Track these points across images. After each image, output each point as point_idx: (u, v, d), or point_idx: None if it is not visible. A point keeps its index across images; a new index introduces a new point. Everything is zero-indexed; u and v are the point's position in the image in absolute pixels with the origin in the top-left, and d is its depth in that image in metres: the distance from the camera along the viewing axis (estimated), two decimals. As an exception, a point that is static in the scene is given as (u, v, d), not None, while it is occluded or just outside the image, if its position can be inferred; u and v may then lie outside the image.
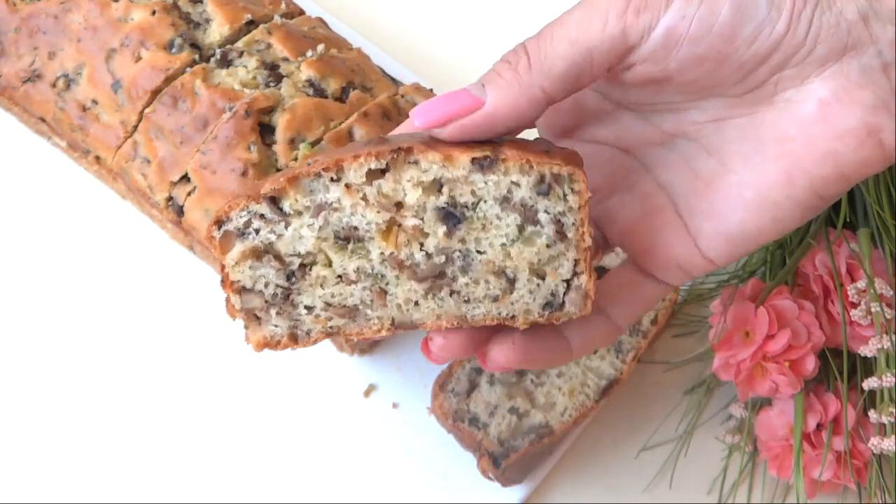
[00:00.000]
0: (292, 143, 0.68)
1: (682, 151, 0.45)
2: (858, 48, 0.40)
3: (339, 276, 0.42)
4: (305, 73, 0.70)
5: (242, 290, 0.43)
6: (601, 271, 0.71)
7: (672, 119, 0.45)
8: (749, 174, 0.43)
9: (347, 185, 0.41)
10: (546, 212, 0.41)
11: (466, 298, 0.42)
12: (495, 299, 0.42)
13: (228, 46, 0.71)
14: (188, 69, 0.69)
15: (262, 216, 0.42)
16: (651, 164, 0.46)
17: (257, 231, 0.42)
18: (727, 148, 0.44)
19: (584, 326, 0.45)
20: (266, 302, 0.43)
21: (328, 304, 0.43)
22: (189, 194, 0.69)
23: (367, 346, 0.73)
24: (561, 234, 0.41)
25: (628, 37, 0.41)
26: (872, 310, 0.66)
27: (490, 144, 0.42)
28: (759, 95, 0.42)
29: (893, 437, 0.64)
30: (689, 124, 0.45)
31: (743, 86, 0.42)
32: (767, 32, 0.40)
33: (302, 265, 0.42)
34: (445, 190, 0.41)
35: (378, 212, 0.41)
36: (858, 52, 0.40)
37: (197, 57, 0.70)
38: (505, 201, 0.41)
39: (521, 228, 0.42)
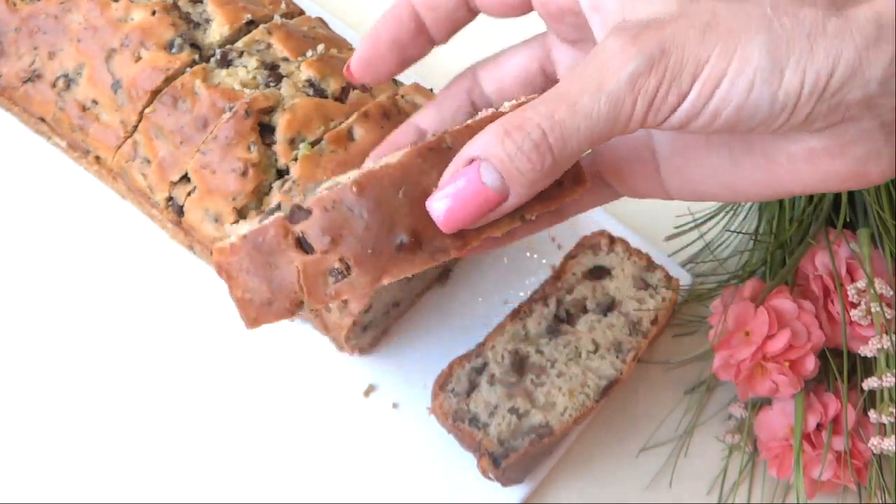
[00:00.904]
0: (292, 143, 0.68)
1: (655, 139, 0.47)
2: (857, 119, 0.40)
3: None
4: (305, 73, 0.70)
5: None
6: (601, 271, 0.71)
7: None
8: (728, 166, 0.44)
9: None
10: None
11: None
12: None
13: (228, 46, 0.71)
14: (188, 69, 0.69)
15: None
16: None
17: None
18: (715, 136, 0.44)
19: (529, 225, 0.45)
20: None
21: None
22: (189, 194, 0.69)
23: (367, 346, 0.73)
24: None
25: (648, 127, 0.40)
26: (872, 310, 0.66)
27: None
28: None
29: (893, 437, 0.64)
30: None
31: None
32: (767, 125, 0.40)
33: None
34: None
35: None
36: (857, 121, 0.40)
37: (197, 57, 0.70)
38: None
39: None
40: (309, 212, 0.42)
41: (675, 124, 0.40)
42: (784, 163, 0.42)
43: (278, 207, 0.44)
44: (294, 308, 0.44)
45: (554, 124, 0.39)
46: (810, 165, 0.42)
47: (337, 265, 0.42)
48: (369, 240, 0.42)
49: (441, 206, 0.41)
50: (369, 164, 0.46)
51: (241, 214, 0.68)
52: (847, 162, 0.41)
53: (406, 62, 0.48)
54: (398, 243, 0.42)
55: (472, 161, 0.40)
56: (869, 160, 0.41)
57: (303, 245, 0.42)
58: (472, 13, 0.47)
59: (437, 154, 0.42)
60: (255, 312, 0.46)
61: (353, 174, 0.43)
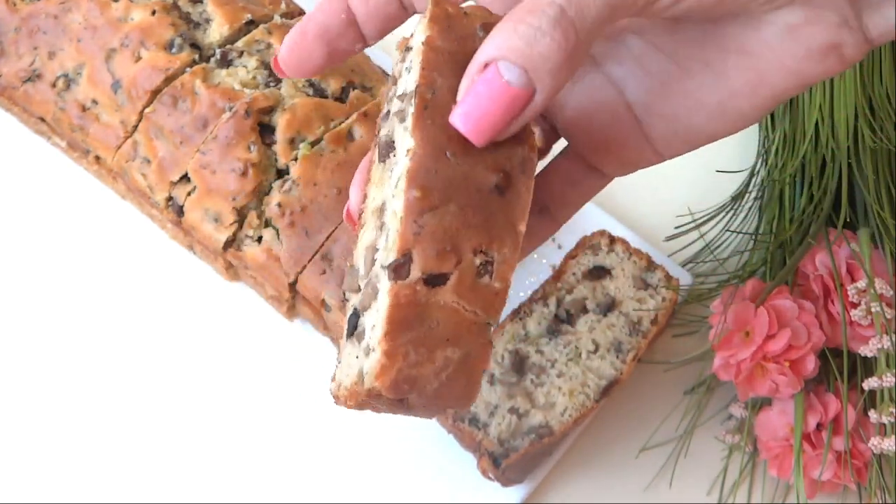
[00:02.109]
0: (292, 143, 0.68)
1: (632, 48, 0.44)
2: None
3: None
4: (305, 73, 0.70)
5: None
6: (601, 271, 0.71)
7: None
8: (710, 81, 0.43)
9: None
10: None
11: None
12: None
13: (228, 46, 0.71)
14: (188, 69, 0.69)
15: None
16: (599, 57, 0.45)
17: None
18: (684, 51, 0.43)
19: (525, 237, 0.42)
20: None
21: None
22: (189, 194, 0.69)
23: (367, 346, 0.73)
24: None
25: None
26: (872, 310, 0.66)
27: None
28: (727, 8, 0.42)
29: (893, 437, 0.64)
30: (637, 20, 0.43)
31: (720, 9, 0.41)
32: None
33: None
34: None
35: None
36: None
37: (197, 57, 0.70)
38: None
39: None
40: (408, 254, 0.36)
41: None
42: (765, 52, 0.42)
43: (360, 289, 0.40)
44: (488, 343, 0.38)
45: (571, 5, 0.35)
46: (792, 45, 0.42)
47: (477, 261, 0.37)
48: (473, 216, 0.37)
49: (465, 118, 0.36)
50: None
51: (241, 214, 0.68)
52: (823, 31, 0.42)
53: (334, 56, 0.44)
54: (494, 187, 0.37)
55: (486, 66, 0.36)
56: (840, 27, 0.42)
57: (435, 281, 0.36)
58: (406, 12, 0.44)
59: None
60: (468, 387, 0.38)
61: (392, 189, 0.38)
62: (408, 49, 0.42)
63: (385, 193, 0.40)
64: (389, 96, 0.43)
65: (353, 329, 0.40)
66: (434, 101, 0.37)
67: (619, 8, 0.36)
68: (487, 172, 0.37)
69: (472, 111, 0.36)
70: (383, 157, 0.41)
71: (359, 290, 0.40)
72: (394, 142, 0.40)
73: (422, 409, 0.38)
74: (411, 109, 0.38)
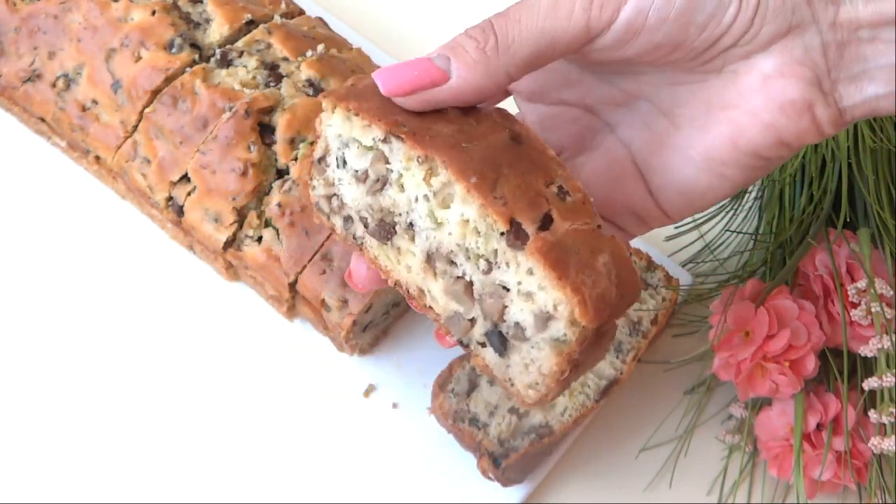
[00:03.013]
0: (292, 142, 0.68)
1: (641, 111, 0.48)
2: (802, 27, 0.43)
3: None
4: (305, 73, 0.70)
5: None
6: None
7: (632, 81, 0.47)
8: (696, 135, 0.46)
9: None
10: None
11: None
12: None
13: (228, 46, 0.71)
14: (188, 69, 0.69)
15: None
16: (614, 123, 0.49)
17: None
18: (678, 110, 0.46)
19: None
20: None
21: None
22: (189, 194, 0.69)
23: (367, 346, 0.73)
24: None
25: (591, 29, 0.43)
26: (872, 310, 0.66)
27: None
28: (710, 67, 0.45)
29: (893, 437, 0.64)
30: (646, 85, 0.47)
31: (694, 63, 0.45)
32: (718, 20, 0.43)
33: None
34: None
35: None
36: (802, 31, 0.43)
37: (197, 57, 0.70)
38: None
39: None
40: (512, 221, 0.41)
41: (620, 31, 0.42)
42: (742, 104, 0.44)
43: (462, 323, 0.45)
44: (612, 237, 0.43)
45: (499, 15, 0.43)
46: (765, 97, 0.44)
47: (554, 190, 0.42)
48: (521, 165, 0.43)
49: (385, 71, 0.43)
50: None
51: (241, 214, 0.68)
52: (797, 86, 0.43)
53: None
54: (510, 140, 0.44)
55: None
56: (813, 86, 0.43)
57: (545, 223, 0.41)
58: None
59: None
60: (632, 272, 0.43)
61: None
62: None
63: (415, 258, 0.45)
64: (329, 183, 0.48)
65: (504, 343, 0.43)
66: (413, 127, 0.43)
67: (545, 33, 0.43)
68: (495, 135, 0.44)
69: (394, 69, 0.43)
70: (386, 237, 0.45)
71: (473, 320, 0.44)
72: (393, 221, 0.45)
73: (613, 328, 0.43)
74: (400, 150, 0.43)
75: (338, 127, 0.45)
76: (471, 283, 0.43)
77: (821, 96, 0.43)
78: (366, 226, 0.46)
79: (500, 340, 0.43)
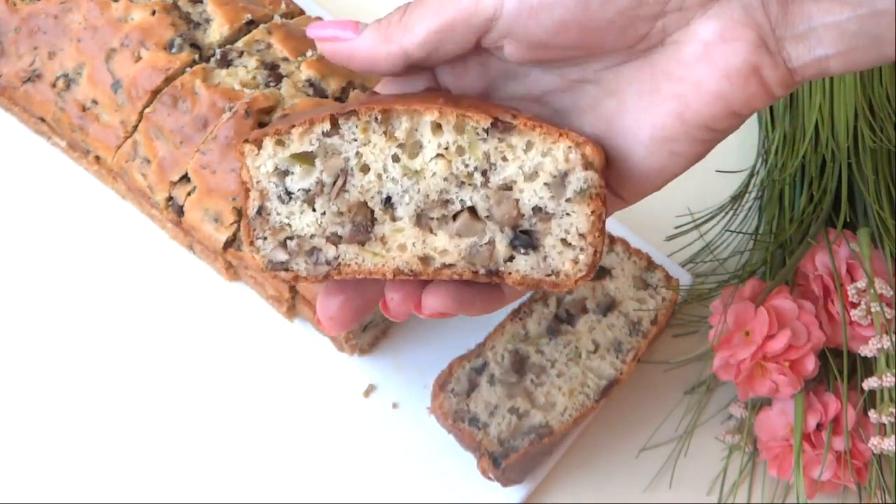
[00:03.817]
0: (292, 143, 0.68)
1: (588, 95, 0.47)
2: None
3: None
4: (305, 73, 0.70)
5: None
6: (601, 271, 0.71)
7: (575, 69, 0.46)
8: (643, 114, 0.45)
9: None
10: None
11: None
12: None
13: (228, 46, 0.71)
14: (188, 69, 0.69)
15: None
16: (562, 110, 0.48)
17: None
18: (624, 88, 0.45)
19: None
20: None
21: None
22: (189, 194, 0.69)
23: (367, 346, 0.73)
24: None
25: (481, 10, 0.43)
26: (872, 310, 0.66)
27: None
28: (650, 42, 0.44)
29: (893, 437, 0.64)
30: (590, 72, 0.46)
31: (627, 39, 0.44)
32: None
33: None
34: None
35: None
36: None
37: (197, 57, 0.70)
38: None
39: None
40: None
41: (513, 9, 0.42)
42: (686, 76, 0.43)
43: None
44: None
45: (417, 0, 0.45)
46: (709, 66, 0.42)
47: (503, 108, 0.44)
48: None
49: (315, 26, 0.47)
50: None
51: (241, 214, 0.68)
52: (740, 50, 0.42)
53: None
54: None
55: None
56: (759, 47, 0.42)
57: (502, 123, 0.43)
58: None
59: None
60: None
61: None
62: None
63: (404, 230, 0.44)
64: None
65: (531, 236, 0.44)
66: (354, 104, 0.44)
67: (444, 37, 0.44)
68: (432, 92, 0.47)
69: (325, 22, 0.48)
70: (366, 233, 0.44)
71: (491, 242, 0.44)
72: (367, 214, 0.45)
73: None
74: (352, 127, 0.44)
75: (269, 160, 0.44)
76: (472, 209, 0.43)
77: (767, 57, 0.42)
78: (338, 239, 0.44)
79: (526, 238, 0.43)
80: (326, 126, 0.44)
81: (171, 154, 0.69)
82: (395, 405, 0.73)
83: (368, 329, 0.71)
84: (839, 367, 0.68)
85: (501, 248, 0.44)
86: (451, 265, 0.44)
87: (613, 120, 0.46)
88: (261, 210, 0.45)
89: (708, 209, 0.76)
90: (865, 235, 0.70)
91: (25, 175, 0.78)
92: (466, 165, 0.43)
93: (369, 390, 0.73)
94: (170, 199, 0.70)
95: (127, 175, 0.71)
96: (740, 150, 0.80)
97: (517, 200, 0.43)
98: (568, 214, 0.43)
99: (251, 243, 0.45)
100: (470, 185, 0.43)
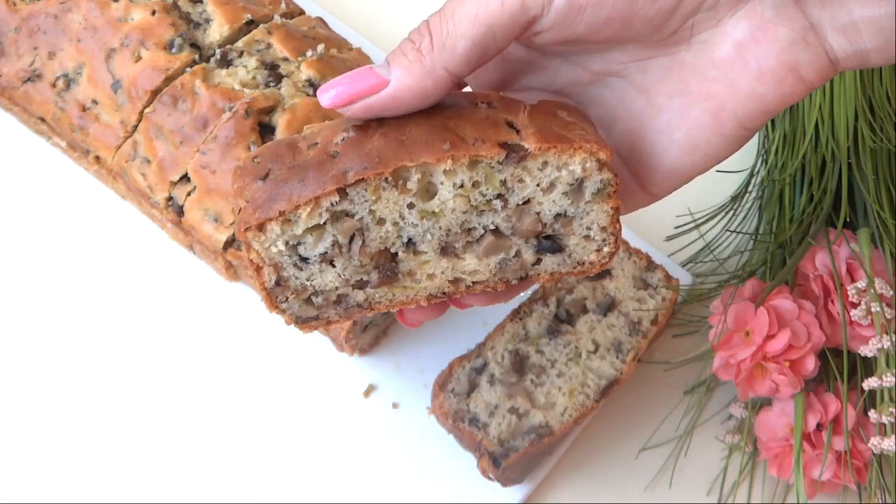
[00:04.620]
0: (292, 143, 0.68)
1: (613, 88, 0.46)
2: None
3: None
4: (305, 72, 0.70)
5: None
6: (605, 274, 0.71)
7: (598, 60, 0.46)
8: (677, 115, 0.44)
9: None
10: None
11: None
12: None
13: (228, 46, 0.71)
14: (188, 69, 0.69)
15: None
16: (585, 103, 0.47)
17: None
18: (653, 88, 0.45)
19: None
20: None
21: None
22: (189, 194, 0.69)
23: (367, 346, 0.73)
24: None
25: (528, 10, 0.41)
26: (872, 310, 0.66)
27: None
28: (677, 38, 0.43)
29: (893, 437, 0.64)
30: (614, 64, 0.46)
31: (658, 35, 0.43)
32: None
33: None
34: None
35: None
36: None
37: (197, 57, 0.70)
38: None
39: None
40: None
41: (562, 8, 0.41)
42: (720, 76, 0.43)
43: None
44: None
45: (435, 13, 0.42)
46: (742, 67, 0.42)
47: (484, 106, 0.44)
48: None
49: (325, 87, 0.43)
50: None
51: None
52: (773, 50, 0.41)
53: None
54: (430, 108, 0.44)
55: None
56: (795, 44, 0.41)
57: (513, 147, 0.43)
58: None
59: None
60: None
61: None
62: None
63: (431, 262, 0.44)
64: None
65: (555, 240, 0.44)
66: (351, 164, 0.42)
67: (480, 22, 0.41)
68: (417, 115, 0.43)
69: (334, 82, 0.42)
70: (393, 273, 0.44)
71: (518, 253, 0.44)
72: (390, 257, 0.44)
73: None
74: (361, 193, 0.42)
75: (279, 238, 0.42)
76: (495, 230, 0.44)
77: (805, 53, 0.42)
78: (365, 285, 0.44)
79: (550, 243, 0.44)
80: (335, 198, 0.41)
81: (171, 154, 0.69)
82: (395, 405, 0.73)
83: (368, 329, 0.71)
84: (839, 367, 0.68)
85: (528, 256, 0.44)
86: (481, 281, 0.45)
87: (647, 119, 0.45)
88: (279, 281, 0.43)
89: (708, 209, 0.76)
90: (865, 235, 0.70)
91: (25, 175, 0.78)
92: (484, 195, 0.43)
93: (369, 390, 0.73)
94: (170, 199, 0.70)
95: (127, 175, 0.71)
96: (740, 150, 0.80)
97: (538, 213, 0.43)
98: (588, 214, 0.43)
99: (275, 309, 0.44)
100: (490, 210, 0.43)
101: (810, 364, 0.66)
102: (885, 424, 0.65)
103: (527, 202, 0.43)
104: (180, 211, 0.69)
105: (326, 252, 0.43)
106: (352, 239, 0.43)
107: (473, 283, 0.45)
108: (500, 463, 0.65)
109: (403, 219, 0.43)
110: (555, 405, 0.67)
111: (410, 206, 0.42)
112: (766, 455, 0.69)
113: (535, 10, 0.41)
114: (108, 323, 0.74)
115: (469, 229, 0.43)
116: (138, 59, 0.70)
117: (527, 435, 0.66)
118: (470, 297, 0.46)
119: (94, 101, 0.71)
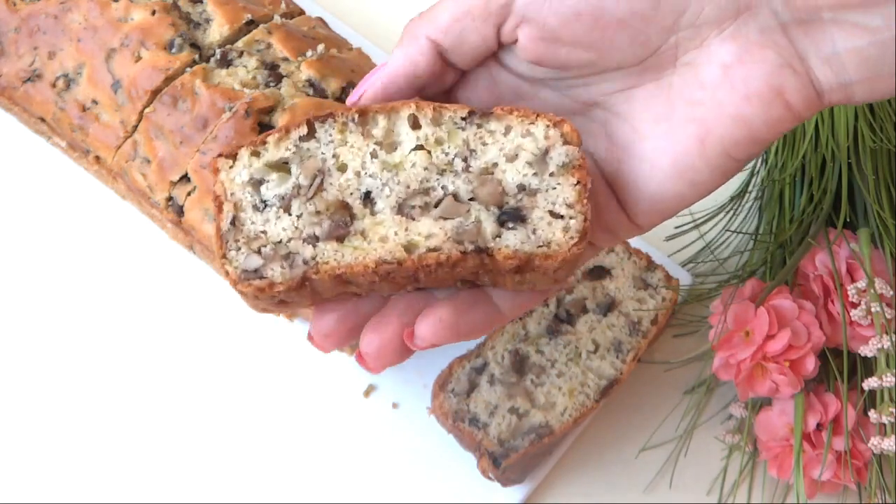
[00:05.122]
0: (292, 143, 0.68)
1: (599, 120, 0.46)
2: (753, 8, 0.41)
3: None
4: (305, 72, 0.70)
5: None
6: (601, 271, 0.71)
7: (585, 91, 0.46)
8: (662, 140, 0.44)
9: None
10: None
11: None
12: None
13: (228, 46, 0.71)
14: (188, 69, 0.69)
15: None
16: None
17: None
18: (638, 114, 0.45)
19: (514, 290, 0.45)
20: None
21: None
22: (189, 194, 0.69)
23: (367, 346, 0.73)
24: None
25: None
26: (872, 310, 0.66)
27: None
28: (662, 60, 0.43)
29: (893, 437, 0.64)
30: (600, 94, 0.46)
31: (638, 50, 0.43)
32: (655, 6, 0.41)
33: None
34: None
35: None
36: (754, 12, 0.41)
37: (197, 57, 0.70)
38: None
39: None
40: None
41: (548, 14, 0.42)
42: (706, 99, 0.42)
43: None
44: None
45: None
46: (729, 88, 0.42)
47: None
48: None
49: (357, 88, 0.46)
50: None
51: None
52: (760, 72, 0.41)
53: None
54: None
55: None
56: (781, 68, 0.41)
57: (477, 111, 0.44)
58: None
59: None
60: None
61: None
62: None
63: (385, 223, 0.44)
64: None
65: (519, 212, 0.43)
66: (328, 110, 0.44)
67: (465, 23, 0.44)
68: None
69: (361, 83, 0.46)
70: (344, 228, 0.43)
71: (478, 222, 0.43)
72: (345, 211, 0.44)
73: None
74: (329, 129, 0.44)
75: (244, 170, 0.44)
76: (454, 195, 0.43)
77: (793, 79, 0.41)
78: (316, 239, 0.43)
79: (513, 213, 0.43)
80: (303, 131, 0.44)
81: (171, 154, 0.69)
82: (395, 405, 0.73)
83: (368, 329, 0.71)
84: (839, 367, 0.68)
85: (488, 225, 0.43)
86: (436, 248, 0.42)
87: (631, 146, 0.45)
88: (234, 221, 0.43)
89: (708, 209, 0.76)
90: (865, 235, 0.70)
91: (25, 175, 0.78)
92: (446, 154, 0.43)
93: (369, 390, 0.73)
94: (170, 199, 0.70)
95: (127, 175, 0.71)
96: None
97: (500, 181, 0.43)
98: (553, 188, 0.43)
99: (223, 256, 0.43)
100: (451, 171, 0.43)
101: (810, 364, 0.66)
102: (885, 424, 0.65)
103: (490, 171, 0.43)
104: (180, 211, 0.69)
105: (286, 195, 0.43)
106: (312, 183, 0.43)
107: (428, 249, 0.42)
108: (500, 463, 0.65)
109: (365, 168, 0.43)
110: (555, 405, 0.67)
111: (373, 154, 0.43)
112: (766, 455, 0.69)
113: None
114: (109, 323, 0.74)
115: (427, 189, 0.43)
116: (138, 59, 0.70)
117: (527, 435, 0.66)
118: (428, 317, 0.43)
119: (94, 101, 0.71)
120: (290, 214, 0.43)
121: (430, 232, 0.43)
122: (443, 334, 0.43)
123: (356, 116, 0.43)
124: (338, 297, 0.45)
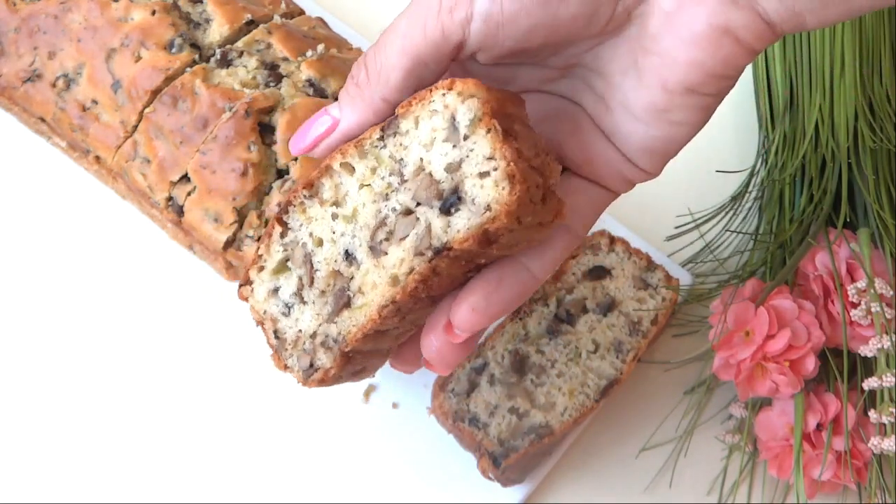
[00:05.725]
0: (292, 143, 0.68)
1: (580, 77, 0.46)
2: None
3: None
4: (305, 72, 0.70)
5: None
6: (601, 271, 0.71)
7: (557, 58, 0.46)
8: (631, 91, 0.44)
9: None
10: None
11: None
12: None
13: (228, 46, 0.71)
14: (188, 69, 0.69)
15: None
16: (562, 92, 0.48)
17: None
18: (607, 68, 0.45)
19: (542, 246, 0.45)
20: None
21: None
22: (189, 194, 0.69)
23: (367, 346, 0.74)
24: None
25: (450, 36, 0.42)
26: (872, 310, 0.66)
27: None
28: (618, 21, 0.43)
29: (893, 437, 0.64)
30: (572, 57, 0.46)
31: (595, 26, 0.43)
32: None
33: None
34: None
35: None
36: None
37: (197, 57, 0.70)
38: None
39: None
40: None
41: (482, 28, 0.42)
42: (655, 49, 0.42)
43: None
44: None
45: (372, 45, 0.45)
46: (673, 36, 0.41)
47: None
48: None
49: (295, 136, 0.47)
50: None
51: (241, 214, 0.68)
52: (701, 14, 0.41)
53: None
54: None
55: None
56: (724, 6, 0.40)
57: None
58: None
59: None
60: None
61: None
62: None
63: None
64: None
65: (454, 193, 0.42)
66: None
67: (414, 45, 0.43)
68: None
69: (300, 132, 0.47)
70: (345, 304, 0.46)
71: (411, 213, 0.44)
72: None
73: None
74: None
75: (261, 287, 0.48)
76: (403, 212, 0.43)
77: (737, 13, 0.41)
78: (334, 316, 0.46)
79: (452, 197, 0.42)
80: (279, 230, 0.47)
81: (171, 154, 0.69)
82: (395, 405, 0.73)
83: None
84: (839, 367, 0.68)
85: (435, 221, 0.42)
86: (410, 270, 0.43)
87: (609, 99, 0.45)
88: (277, 334, 0.47)
89: (708, 209, 0.76)
90: (865, 235, 0.70)
91: (25, 175, 0.78)
92: (382, 178, 0.44)
93: (369, 390, 0.73)
94: (170, 199, 0.70)
95: (127, 175, 0.71)
96: (740, 150, 0.81)
97: (430, 173, 0.42)
98: (472, 150, 0.41)
99: (285, 368, 0.47)
100: (392, 191, 0.44)
101: (810, 364, 0.66)
102: (885, 424, 0.65)
103: (422, 169, 0.43)
104: (180, 211, 0.69)
105: (297, 290, 0.46)
106: (305, 270, 0.46)
107: (405, 274, 0.43)
108: (500, 463, 0.65)
109: (334, 231, 0.45)
110: (555, 405, 0.67)
111: (334, 216, 0.45)
112: (766, 455, 0.69)
113: (456, 36, 0.42)
114: (108, 323, 0.74)
115: (384, 219, 0.44)
116: (138, 59, 0.70)
117: (527, 435, 0.66)
118: (462, 301, 0.44)
119: (94, 101, 0.71)
120: (305, 304, 0.46)
121: (398, 259, 0.43)
122: (478, 320, 0.44)
123: (306, 193, 0.45)
124: (398, 339, 0.48)
